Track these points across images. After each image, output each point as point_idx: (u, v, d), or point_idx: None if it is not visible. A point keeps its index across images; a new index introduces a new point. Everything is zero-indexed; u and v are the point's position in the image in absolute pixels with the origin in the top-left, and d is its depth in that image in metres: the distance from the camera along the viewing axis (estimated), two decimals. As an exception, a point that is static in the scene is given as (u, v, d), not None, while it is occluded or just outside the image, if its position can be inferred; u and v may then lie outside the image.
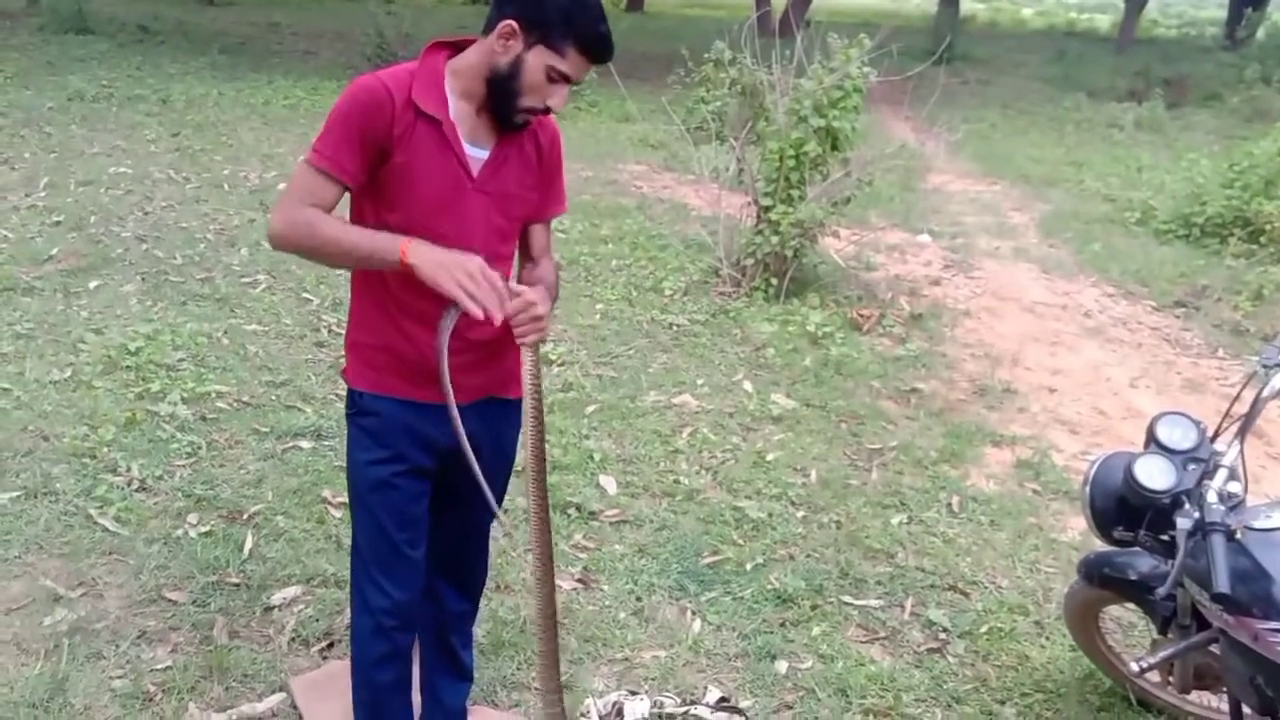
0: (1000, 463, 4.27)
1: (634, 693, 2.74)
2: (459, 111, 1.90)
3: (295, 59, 13.36)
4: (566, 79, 1.86)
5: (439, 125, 1.86)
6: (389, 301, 1.96)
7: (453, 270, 1.76)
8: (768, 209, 5.76)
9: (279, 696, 2.63)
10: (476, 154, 1.92)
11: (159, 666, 2.69)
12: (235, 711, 2.57)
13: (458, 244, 1.85)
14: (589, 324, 5.29)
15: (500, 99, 1.87)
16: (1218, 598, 1.95)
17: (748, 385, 4.76)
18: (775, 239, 5.67)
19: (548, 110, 1.91)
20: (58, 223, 5.62)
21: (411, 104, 1.84)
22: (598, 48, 1.85)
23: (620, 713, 2.66)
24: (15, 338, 4.24)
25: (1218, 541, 1.99)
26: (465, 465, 1.89)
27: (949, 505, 3.89)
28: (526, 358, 1.95)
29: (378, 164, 1.85)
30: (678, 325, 5.41)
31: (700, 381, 4.76)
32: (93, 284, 4.86)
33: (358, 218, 1.95)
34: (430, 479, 2.12)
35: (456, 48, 1.93)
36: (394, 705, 2.26)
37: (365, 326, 2.03)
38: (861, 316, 5.63)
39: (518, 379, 2.06)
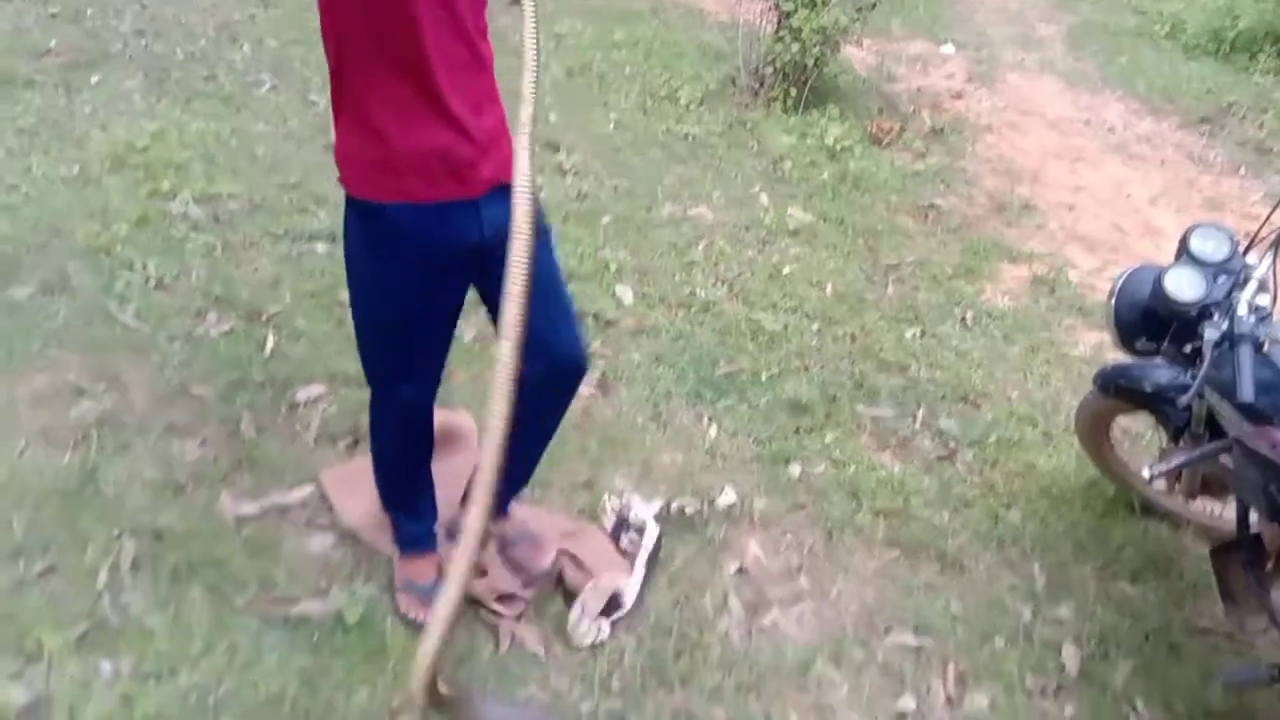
0: (1016, 279, 4.26)
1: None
2: None
3: None
4: None
5: None
6: (408, 93, 1.84)
7: None
8: (789, 14, 5.52)
9: (309, 488, 2.69)
10: None
11: (189, 458, 2.75)
12: (267, 501, 2.64)
13: None
14: (602, 133, 5.16)
15: None
16: (1241, 407, 1.97)
17: (764, 198, 4.69)
18: (796, 47, 5.45)
19: None
20: (53, 15, 5.38)
21: None
22: None
23: (630, 506, 2.74)
24: (19, 133, 4.13)
25: (1245, 351, 2.00)
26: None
27: (963, 320, 3.90)
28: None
29: None
30: (693, 136, 5.28)
31: (716, 194, 4.68)
32: (94, 79, 4.70)
33: None
34: (462, 285, 2.08)
35: None
36: (418, 476, 2.38)
37: (370, 128, 1.87)
38: (881, 130, 5.49)
39: None
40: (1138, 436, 3.20)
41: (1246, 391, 1.94)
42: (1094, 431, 2.88)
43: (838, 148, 5.19)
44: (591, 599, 2.42)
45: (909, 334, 3.76)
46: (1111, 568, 2.77)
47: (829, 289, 4.00)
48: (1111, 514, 2.94)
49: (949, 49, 7.18)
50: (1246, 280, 2.18)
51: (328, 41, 1.86)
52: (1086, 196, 5.08)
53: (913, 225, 4.62)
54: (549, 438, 2.43)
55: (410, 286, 2.01)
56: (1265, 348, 2.08)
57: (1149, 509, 2.92)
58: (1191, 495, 2.66)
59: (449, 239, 1.97)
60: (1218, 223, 2.36)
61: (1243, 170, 5.54)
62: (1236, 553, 2.32)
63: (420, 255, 1.97)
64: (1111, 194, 5.13)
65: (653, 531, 2.63)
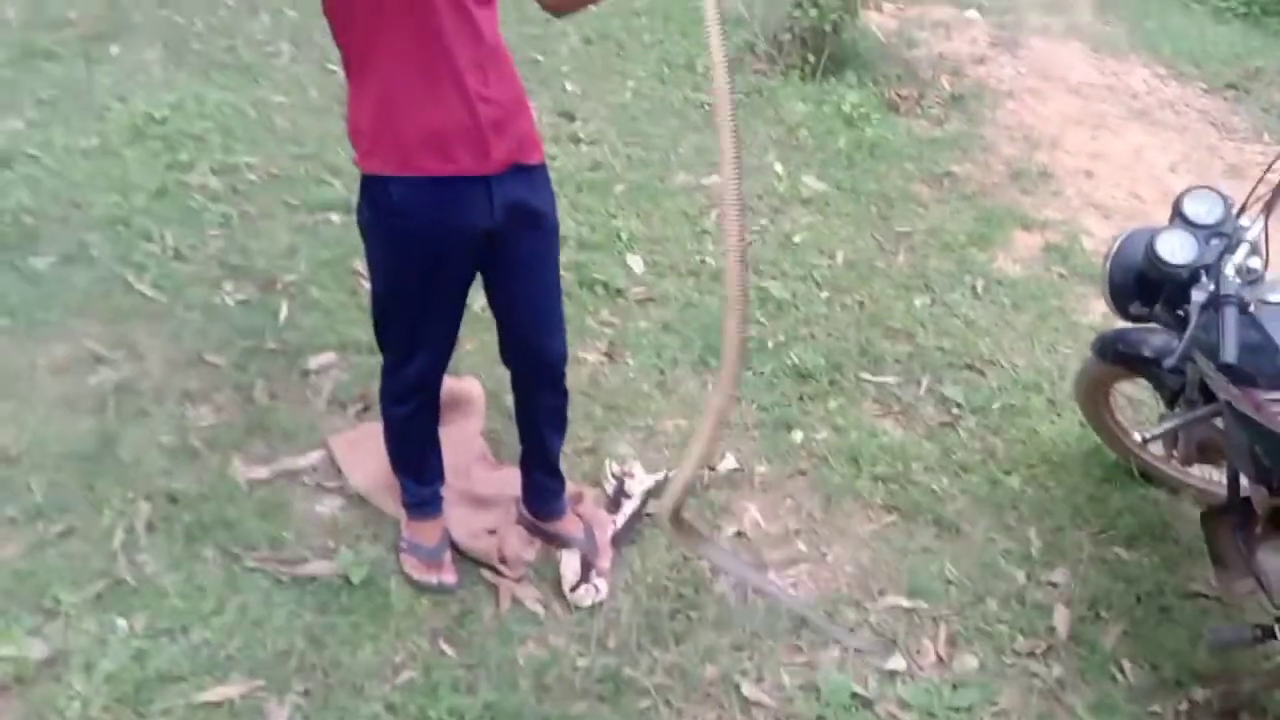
0: (1029, 246, 4.24)
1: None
2: None
3: None
4: None
5: None
6: (428, 67, 1.86)
7: None
8: (807, -21, 5.48)
9: (319, 453, 2.77)
10: None
11: (203, 424, 2.83)
12: (278, 465, 2.72)
13: None
14: (620, 102, 5.17)
15: None
16: (1224, 368, 1.98)
17: (778, 166, 4.69)
18: (814, 12, 5.42)
19: None
20: (74, -13, 5.47)
21: None
22: None
23: (631, 474, 2.79)
24: (39, 104, 4.21)
25: (1229, 313, 2.01)
26: (512, 238, 1.97)
27: (973, 288, 3.90)
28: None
29: None
30: (710, 104, 5.27)
31: (730, 161, 4.68)
32: (113, 50, 4.77)
33: None
34: (472, 263, 2.12)
35: None
36: (426, 442, 2.45)
37: (390, 102, 1.90)
38: (900, 97, 5.46)
39: (536, 143, 2.05)
40: (1140, 404, 3.20)
41: (1230, 352, 1.95)
42: (1093, 398, 2.89)
43: (854, 115, 5.17)
44: (568, 566, 2.50)
45: (918, 302, 3.77)
46: (1107, 533, 2.79)
47: (839, 257, 4.01)
48: (1110, 481, 2.95)
49: (973, 13, 7.08)
50: (1238, 244, 2.18)
51: (334, 18, 1.88)
52: (1105, 164, 5.03)
53: (927, 193, 4.61)
54: (557, 434, 2.50)
55: (421, 264, 2.05)
56: (1252, 308, 2.08)
57: (1148, 476, 2.93)
58: (1188, 461, 2.67)
59: (459, 218, 2.00)
60: (1212, 185, 2.35)
61: (1266, 136, 5.46)
62: (1227, 516, 2.34)
63: (430, 233, 2.00)
64: (1131, 161, 5.08)
65: (634, 502, 2.68)
